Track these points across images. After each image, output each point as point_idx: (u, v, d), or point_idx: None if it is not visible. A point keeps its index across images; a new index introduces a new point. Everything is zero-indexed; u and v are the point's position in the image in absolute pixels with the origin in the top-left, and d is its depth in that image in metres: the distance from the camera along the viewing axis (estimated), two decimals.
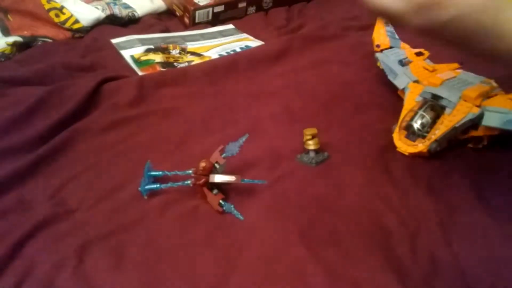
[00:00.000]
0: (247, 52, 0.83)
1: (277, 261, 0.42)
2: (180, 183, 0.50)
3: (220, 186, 0.49)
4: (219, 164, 0.49)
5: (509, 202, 0.49)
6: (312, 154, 0.57)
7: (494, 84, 0.60)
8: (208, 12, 0.97)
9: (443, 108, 0.56)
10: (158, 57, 0.82)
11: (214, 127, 0.64)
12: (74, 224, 0.46)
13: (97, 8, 0.95)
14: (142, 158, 0.56)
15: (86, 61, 0.79)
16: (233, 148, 0.50)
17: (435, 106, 0.57)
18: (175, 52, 0.84)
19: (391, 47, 0.73)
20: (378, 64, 0.71)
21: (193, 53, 0.85)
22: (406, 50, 0.73)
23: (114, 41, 0.87)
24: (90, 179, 0.53)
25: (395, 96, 0.68)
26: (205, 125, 0.64)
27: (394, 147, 0.58)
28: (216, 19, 0.99)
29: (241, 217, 0.47)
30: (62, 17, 0.90)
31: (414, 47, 0.75)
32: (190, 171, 0.50)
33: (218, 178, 0.48)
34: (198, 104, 0.68)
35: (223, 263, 0.42)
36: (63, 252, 0.43)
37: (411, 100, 0.60)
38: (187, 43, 0.88)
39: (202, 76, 0.75)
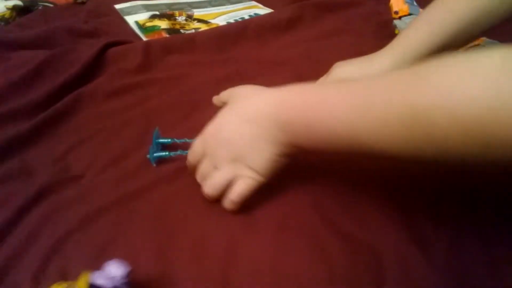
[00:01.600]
0: (256, 20, 0.79)
1: (290, 228, 0.40)
2: (187, 152, 0.47)
3: None
4: None
5: None
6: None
7: None
8: None
9: None
10: (163, 24, 0.78)
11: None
12: (79, 191, 0.44)
13: None
14: (149, 126, 0.54)
15: (89, 26, 0.76)
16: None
17: None
18: (181, 19, 0.81)
19: (410, 14, 0.69)
20: (397, 31, 0.68)
21: (199, 20, 0.82)
22: None
23: (117, 6, 0.83)
24: (96, 145, 0.51)
25: None
26: (214, 94, 0.61)
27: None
28: None
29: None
30: None
31: None
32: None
33: None
34: (207, 72, 0.66)
35: (235, 232, 0.40)
36: (68, 220, 0.41)
37: None
38: (194, 10, 0.85)
39: (210, 43, 0.72)
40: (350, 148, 0.34)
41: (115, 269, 0.32)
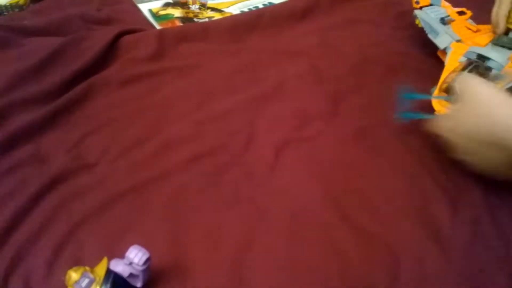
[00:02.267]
0: (271, 8, 0.78)
1: (306, 222, 0.40)
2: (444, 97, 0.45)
3: None
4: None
5: None
6: None
7: None
8: None
9: (488, 69, 0.52)
10: (177, 12, 0.77)
11: (237, 85, 0.60)
12: (93, 179, 0.44)
13: None
14: (162, 115, 0.54)
15: (102, 14, 0.75)
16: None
17: (480, 67, 0.53)
18: (194, 7, 0.80)
19: (431, 5, 0.67)
20: (417, 22, 0.66)
21: (213, 9, 0.80)
22: (447, 9, 0.67)
23: None
24: (109, 134, 0.51)
25: (432, 58, 0.63)
26: (228, 84, 0.60)
27: (433, 110, 0.54)
28: None
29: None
30: None
31: (455, 6, 0.70)
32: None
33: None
34: (220, 61, 0.65)
35: (249, 223, 0.40)
36: (82, 207, 0.41)
37: (453, 60, 0.56)
38: None
39: (224, 32, 0.71)
40: None
41: (135, 256, 0.31)
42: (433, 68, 0.59)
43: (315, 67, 0.65)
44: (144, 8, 0.78)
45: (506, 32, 0.56)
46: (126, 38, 0.65)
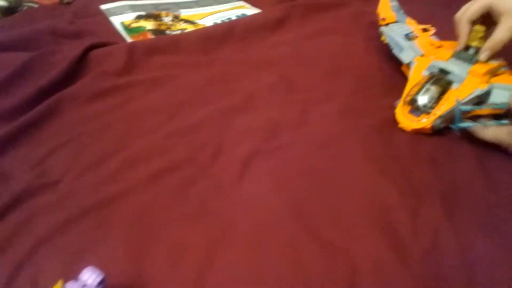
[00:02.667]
0: (244, 20, 0.79)
1: (270, 235, 0.40)
2: (494, 122, 0.48)
3: None
4: None
5: None
6: (472, 51, 0.56)
7: (503, 62, 0.57)
8: None
9: (449, 83, 0.53)
10: (149, 24, 0.77)
11: (208, 97, 0.60)
12: (57, 197, 0.43)
13: None
14: (131, 129, 0.53)
15: (73, 27, 0.75)
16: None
17: (441, 80, 0.54)
18: (167, 20, 0.80)
19: (396, 22, 0.69)
20: (383, 38, 0.68)
21: (186, 21, 0.81)
22: (412, 26, 0.69)
23: (103, 7, 0.82)
24: (75, 150, 0.50)
25: (398, 72, 0.64)
26: (199, 95, 0.60)
27: (396, 123, 0.55)
28: None
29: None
30: None
31: (419, 23, 0.72)
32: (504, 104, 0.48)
33: None
34: (192, 73, 0.65)
35: (213, 237, 0.39)
36: (42, 227, 0.40)
37: (417, 74, 0.57)
38: (181, 10, 0.84)
39: (195, 44, 0.71)
40: None
41: (88, 277, 0.31)
42: (399, 82, 0.60)
43: (286, 77, 0.66)
44: (116, 21, 0.78)
45: (467, 48, 0.57)
46: (96, 52, 0.64)
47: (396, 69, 0.65)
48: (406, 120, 0.54)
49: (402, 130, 0.55)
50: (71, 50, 0.63)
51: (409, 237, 0.41)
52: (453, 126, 0.50)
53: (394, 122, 0.55)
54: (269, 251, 0.38)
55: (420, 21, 0.72)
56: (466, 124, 0.50)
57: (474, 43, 0.57)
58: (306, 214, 0.43)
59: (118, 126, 0.53)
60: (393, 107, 0.57)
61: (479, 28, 0.57)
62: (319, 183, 0.47)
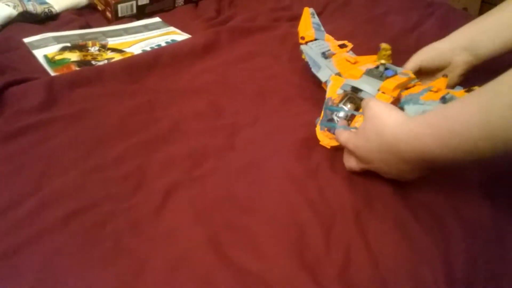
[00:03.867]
0: (171, 47, 0.79)
1: (185, 271, 0.40)
2: (352, 128, 0.52)
3: None
4: None
5: (425, 194, 0.49)
6: (382, 68, 0.59)
7: (412, 76, 0.61)
8: (131, 5, 0.91)
9: (361, 99, 0.56)
10: (74, 56, 0.76)
11: (131, 128, 0.60)
12: None
13: (8, 5, 0.87)
14: (47, 168, 0.52)
15: None
16: None
17: (355, 98, 0.56)
18: (94, 49, 0.79)
19: (316, 39, 0.72)
20: (303, 56, 0.70)
21: (113, 50, 0.80)
22: (330, 42, 0.72)
23: (26, 40, 0.80)
24: None
25: (320, 88, 0.67)
26: (122, 127, 0.60)
27: (318, 139, 0.57)
28: (142, 13, 0.94)
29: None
30: None
31: (339, 39, 0.75)
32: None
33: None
34: (115, 105, 0.64)
35: (126, 279, 0.39)
36: None
37: (332, 93, 0.60)
38: (108, 39, 0.83)
39: (120, 73, 0.70)
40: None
41: None
42: (322, 97, 0.62)
43: (214, 103, 0.67)
44: (39, 54, 0.76)
45: (377, 66, 0.61)
46: (12, 90, 0.62)
47: (318, 86, 0.68)
48: (326, 138, 0.56)
49: (323, 147, 0.57)
50: None
51: (322, 255, 0.42)
52: (319, 123, 0.55)
53: (316, 139, 0.57)
54: (183, 286, 0.38)
55: (340, 36, 0.75)
56: (331, 124, 0.55)
57: (383, 61, 0.60)
58: (224, 244, 0.43)
59: (33, 166, 0.52)
60: (314, 124, 0.59)
61: (386, 47, 0.61)
62: (238, 210, 0.47)
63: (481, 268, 0.42)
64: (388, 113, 0.46)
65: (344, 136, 0.50)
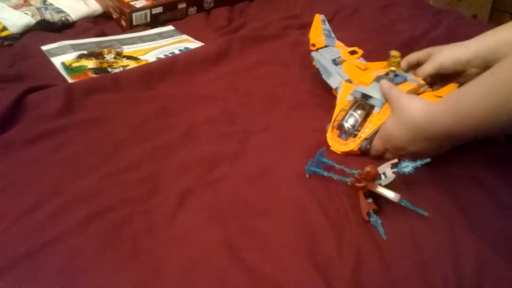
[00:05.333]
0: (185, 55, 0.81)
1: (201, 271, 0.41)
2: (340, 177, 0.51)
3: (374, 196, 0.48)
4: (385, 176, 0.48)
5: (432, 198, 0.50)
6: (391, 75, 0.60)
7: (422, 82, 0.62)
8: (145, 14, 0.94)
9: (372, 107, 0.57)
10: (91, 63, 0.78)
11: (146, 134, 0.62)
12: None
13: (27, 14, 0.90)
14: (66, 172, 0.53)
15: (12, 70, 0.75)
16: (408, 165, 0.47)
17: (364, 105, 0.58)
18: (109, 57, 0.81)
19: (326, 46, 0.73)
20: (314, 63, 0.71)
21: (129, 57, 0.82)
22: (340, 49, 0.73)
23: (44, 48, 0.82)
24: (9, 197, 0.50)
25: (331, 95, 0.68)
26: (137, 133, 0.62)
27: (328, 145, 0.58)
28: (156, 21, 0.96)
29: (384, 236, 0.45)
30: None
31: (349, 45, 0.76)
32: (355, 172, 0.50)
33: (379, 189, 0.47)
34: (131, 111, 0.66)
35: (145, 278, 0.40)
36: None
37: (343, 99, 0.61)
38: (124, 46, 0.85)
39: (136, 80, 0.72)
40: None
41: None
42: (333, 105, 0.63)
43: (226, 109, 0.68)
44: (57, 61, 0.78)
45: (387, 72, 0.62)
46: (33, 96, 0.64)
47: (329, 92, 0.69)
48: (336, 144, 0.57)
49: (334, 152, 0.58)
50: (6, 95, 0.63)
51: (334, 258, 0.43)
52: (306, 168, 0.52)
53: (327, 144, 0.58)
54: (198, 286, 0.39)
55: (352, 43, 0.76)
56: (318, 170, 0.52)
57: (393, 67, 0.61)
58: (237, 246, 0.44)
59: (53, 170, 0.53)
60: (325, 130, 0.60)
61: (396, 54, 0.62)
62: (251, 214, 0.48)
63: (490, 270, 0.42)
64: (413, 102, 0.52)
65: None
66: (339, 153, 0.57)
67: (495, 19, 0.61)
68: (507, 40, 0.61)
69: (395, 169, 0.48)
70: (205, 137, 0.62)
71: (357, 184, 0.48)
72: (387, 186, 0.48)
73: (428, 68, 0.64)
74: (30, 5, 0.94)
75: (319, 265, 0.42)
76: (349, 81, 0.64)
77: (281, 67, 0.79)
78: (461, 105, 0.46)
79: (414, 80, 0.62)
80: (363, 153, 0.56)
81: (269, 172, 0.55)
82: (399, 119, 0.53)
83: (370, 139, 0.56)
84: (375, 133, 0.55)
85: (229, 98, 0.71)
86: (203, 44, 0.87)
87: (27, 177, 0.52)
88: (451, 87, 0.63)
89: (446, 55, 0.64)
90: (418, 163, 0.47)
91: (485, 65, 0.62)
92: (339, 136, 0.57)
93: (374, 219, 0.46)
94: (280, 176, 0.54)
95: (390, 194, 0.47)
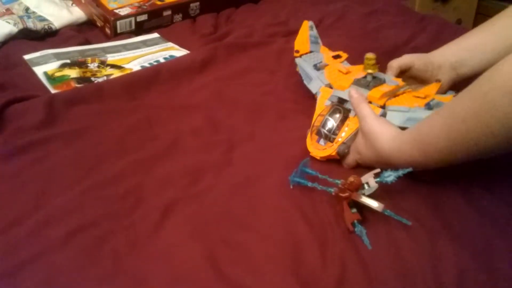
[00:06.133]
0: (170, 63, 0.80)
1: (182, 286, 0.40)
2: (324, 187, 0.50)
3: (358, 207, 0.48)
4: (369, 185, 0.48)
5: (413, 207, 0.50)
6: (369, 78, 0.59)
7: (401, 83, 0.62)
8: (130, 21, 0.93)
9: (349, 110, 0.57)
10: (73, 72, 0.77)
11: (130, 145, 0.61)
12: None
13: (8, 23, 0.89)
14: (47, 186, 0.53)
15: None
16: (390, 175, 0.47)
17: (341, 109, 0.58)
18: (93, 66, 0.80)
19: (311, 51, 0.73)
20: (297, 69, 0.71)
21: (113, 66, 0.81)
22: (324, 54, 0.73)
23: (26, 57, 0.81)
24: None
25: (314, 101, 0.68)
26: (120, 145, 0.61)
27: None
28: (141, 29, 0.95)
29: (369, 246, 0.45)
30: None
31: (336, 50, 0.76)
32: (339, 182, 0.49)
33: (363, 198, 0.47)
34: (114, 122, 0.65)
35: None
36: None
37: (321, 104, 0.61)
38: (108, 55, 0.84)
39: (119, 90, 0.71)
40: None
41: None
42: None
43: (211, 119, 0.68)
44: (39, 71, 0.77)
45: (365, 75, 0.62)
46: (13, 108, 0.64)
47: (313, 99, 0.68)
48: (315, 150, 0.57)
49: (318, 162, 0.57)
50: None
51: (318, 270, 0.43)
52: (290, 178, 0.52)
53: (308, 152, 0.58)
54: None
55: (338, 47, 0.76)
56: (302, 181, 0.52)
57: (370, 70, 0.61)
58: (221, 260, 0.44)
59: (34, 184, 0.53)
60: (306, 136, 0.60)
61: (370, 56, 0.62)
62: (234, 226, 0.48)
63: (471, 279, 0.42)
64: (381, 130, 0.52)
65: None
66: (318, 158, 0.57)
67: (479, 24, 0.62)
68: (472, 45, 0.64)
69: (378, 179, 0.48)
70: (189, 148, 0.62)
71: (341, 194, 0.48)
72: (370, 196, 0.48)
73: (397, 61, 0.66)
74: (12, 13, 0.93)
75: (303, 277, 0.42)
76: (329, 85, 0.64)
77: (266, 75, 0.79)
78: (423, 138, 0.47)
79: (392, 81, 0.62)
80: (342, 157, 0.56)
81: (253, 183, 0.54)
82: (368, 141, 0.53)
83: (347, 143, 0.56)
84: (353, 136, 0.55)
85: (213, 107, 0.71)
86: (188, 52, 0.87)
87: (6, 192, 0.52)
88: (434, 86, 0.63)
89: (419, 56, 0.66)
90: (400, 172, 0.47)
91: (453, 72, 0.64)
92: (318, 141, 0.57)
93: (359, 229, 0.46)
94: (264, 187, 0.54)
95: (374, 204, 0.47)
